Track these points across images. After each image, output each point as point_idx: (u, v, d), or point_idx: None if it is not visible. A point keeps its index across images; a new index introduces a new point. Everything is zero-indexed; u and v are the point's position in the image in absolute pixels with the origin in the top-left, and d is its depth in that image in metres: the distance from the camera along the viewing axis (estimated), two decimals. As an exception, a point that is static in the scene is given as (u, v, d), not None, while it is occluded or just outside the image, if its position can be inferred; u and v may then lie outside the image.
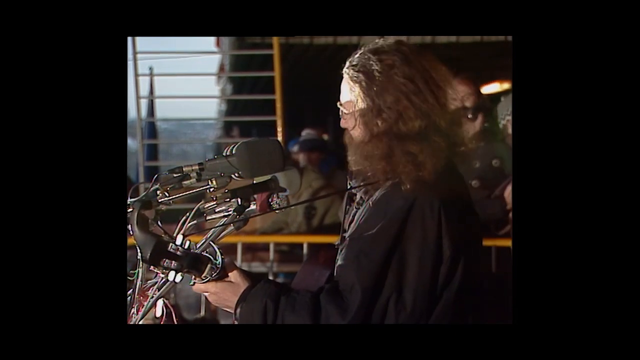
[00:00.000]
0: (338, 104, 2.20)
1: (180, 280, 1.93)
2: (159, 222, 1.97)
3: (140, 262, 1.95)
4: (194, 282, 2.03)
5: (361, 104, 2.12)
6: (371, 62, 2.12)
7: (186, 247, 1.91)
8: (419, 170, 2.04)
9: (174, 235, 2.00)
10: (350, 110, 2.15)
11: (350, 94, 2.15)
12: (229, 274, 2.07)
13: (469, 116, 3.69)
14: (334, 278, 2.12)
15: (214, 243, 2.08)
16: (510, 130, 3.83)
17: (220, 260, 2.00)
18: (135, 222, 1.88)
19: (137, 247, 1.89)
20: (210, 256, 2.00)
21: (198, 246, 2.08)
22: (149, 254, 1.85)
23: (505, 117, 3.87)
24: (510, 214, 3.66)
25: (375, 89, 2.10)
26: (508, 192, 3.70)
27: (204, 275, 1.99)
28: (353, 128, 2.16)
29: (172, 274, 1.90)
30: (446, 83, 2.13)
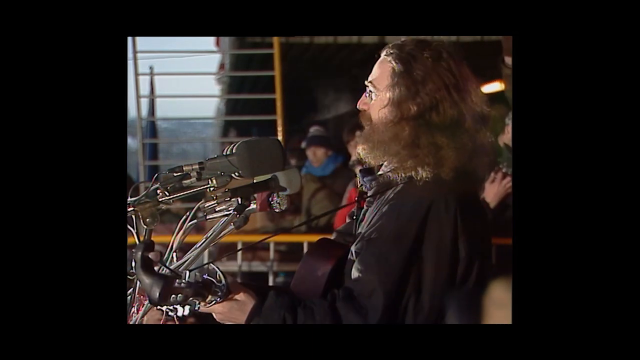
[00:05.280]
0: (367, 82, 2.20)
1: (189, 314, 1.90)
2: (166, 265, 1.95)
3: (161, 262, 1.95)
4: (199, 307, 2.01)
5: (400, 84, 2.12)
6: (420, 48, 2.14)
7: (192, 280, 1.89)
8: (440, 166, 2.04)
9: (174, 236, 2.00)
10: (382, 89, 2.15)
11: (388, 72, 2.15)
12: (234, 293, 2.04)
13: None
14: (350, 280, 2.10)
15: (214, 242, 2.08)
16: (509, 131, 3.83)
17: (223, 281, 1.99)
18: (140, 265, 1.84)
19: (144, 289, 1.85)
20: (212, 279, 1.99)
21: (198, 245, 2.08)
22: (157, 296, 1.81)
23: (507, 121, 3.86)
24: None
25: (419, 72, 2.11)
26: (488, 194, 3.70)
27: (208, 300, 1.98)
28: (381, 107, 2.15)
29: (180, 310, 1.88)
30: (477, 95, 2.14)
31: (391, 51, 2.17)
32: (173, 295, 1.85)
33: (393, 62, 2.14)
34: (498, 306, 1.97)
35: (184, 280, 1.87)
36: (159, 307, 1.89)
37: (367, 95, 2.20)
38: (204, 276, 1.98)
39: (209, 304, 1.99)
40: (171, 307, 1.88)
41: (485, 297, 2.00)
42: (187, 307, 1.88)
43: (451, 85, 2.10)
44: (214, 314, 2.08)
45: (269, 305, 2.03)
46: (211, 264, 2.03)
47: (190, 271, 1.90)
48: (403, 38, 2.21)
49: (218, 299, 1.99)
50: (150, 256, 1.86)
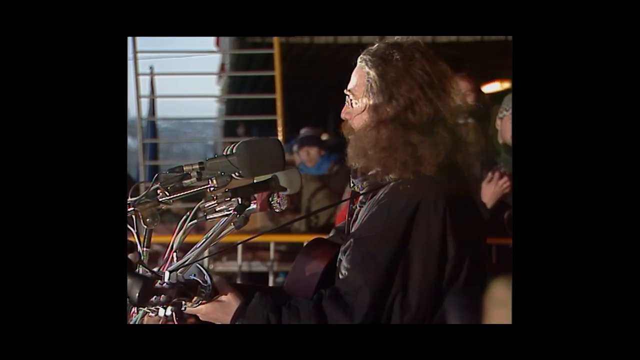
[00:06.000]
0: (346, 90, 2.21)
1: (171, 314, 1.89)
2: (146, 265, 1.94)
3: (140, 263, 1.95)
4: (185, 307, 2.01)
5: (374, 89, 2.14)
6: (392, 51, 2.16)
7: (174, 281, 1.87)
8: (419, 164, 2.05)
9: (174, 236, 2.00)
10: (360, 96, 2.16)
11: (364, 79, 2.17)
12: (220, 293, 2.04)
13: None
14: (338, 279, 2.11)
15: (215, 241, 2.08)
16: (498, 127, 3.83)
17: (209, 281, 1.99)
18: None
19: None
20: (197, 279, 1.98)
21: (198, 245, 2.07)
22: (137, 296, 1.79)
23: (500, 115, 3.86)
24: (507, 213, 3.66)
25: (392, 75, 2.13)
26: (485, 194, 3.70)
27: (194, 300, 1.97)
28: (360, 113, 2.17)
29: (161, 310, 1.86)
30: (456, 91, 2.15)
31: (364, 57, 2.20)
32: (155, 296, 1.83)
33: (366, 67, 2.17)
34: (498, 305, 1.97)
35: (166, 282, 1.85)
36: (140, 307, 1.88)
37: (348, 103, 2.21)
38: (191, 276, 1.97)
39: (195, 304, 1.99)
40: (152, 308, 1.87)
41: (486, 297, 2.00)
42: (169, 308, 1.87)
43: (425, 83, 2.12)
44: (199, 315, 2.07)
45: (253, 306, 2.04)
46: (197, 264, 2.02)
47: (170, 272, 1.89)
48: (376, 43, 2.22)
49: (203, 300, 1.99)
50: (129, 257, 1.85)
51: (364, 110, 2.17)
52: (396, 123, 2.10)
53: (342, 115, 2.24)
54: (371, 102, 2.15)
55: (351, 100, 2.20)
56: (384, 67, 2.14)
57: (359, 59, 2.22)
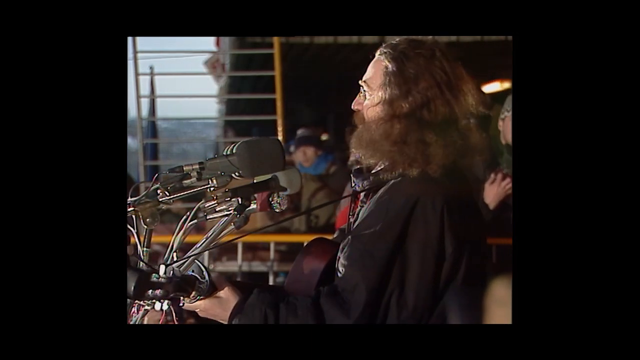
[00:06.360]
0: (360, 81, 2.21)
1: (167, 308, 1.90)
2: (145, 262, 1.94)
3: (135, 256, 1.95)
4: (183, 303, 2.01)
5: (392, 83, 2.13)
6: (413, 47, 2.16)
7: (170, 274, 1.87)
8: (427, 163, 2.05)
9: (174, 236, 2.00)
10: (375, 88, 2.16)
11: (381, 71, 2.16)
12: (218, 289, 2.05)
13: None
14: (337, 277, 2.12)
15: (215, 241, 2.09)
16: (501, 128, 3.84)
17: (207, 277, 1.99)
18: None
19: None
20: (196, 275, 1.98)
21: (198, 246, 2.08)
22: (132, 289, 1.80)
23: (501, 115, 3.86)
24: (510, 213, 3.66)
25: (411, 70, 2.13)
26: (488, 195, 3.70)
27: (192, 295, 1.98)
28: (373, 106, 2.16)
29: (157, 304, 1.87)
30: (471, 95, 2.15)
31: (384, 50, 2.19)
32: (152, 290, 1.84)
33: (386, 61, 2.16)
34: (499, 304, 1.97)
35: (162, 276, 1.86)
36: (137, 301, 1.89)
37: (361, 95, 2.21)
38: (189, 272, 1.98)
39: (193, 300, 2.00)
40: (148, 302, 1.88)
41: (486, 295, 2.00)
42: (165, 302, 1.87)
43: (443, 83, 2.12)
44: (197, 311, 2.08)
45: (250, 302, 2.04)
46: (197, 261, 2.02)
47: (166, 266, 1.89)
48: (397, 38, 2.22)
49: (201, 295, 1.99)
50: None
51: (378, 103, 2.16)
52: (411, 119, 2.10)
53: (354, 107, 2.23)
54: (387, 95, 2.14)
55: (365, 91, 2.20)
56: (404, 62, 2.13)
57: (377, 52, 2.21)
